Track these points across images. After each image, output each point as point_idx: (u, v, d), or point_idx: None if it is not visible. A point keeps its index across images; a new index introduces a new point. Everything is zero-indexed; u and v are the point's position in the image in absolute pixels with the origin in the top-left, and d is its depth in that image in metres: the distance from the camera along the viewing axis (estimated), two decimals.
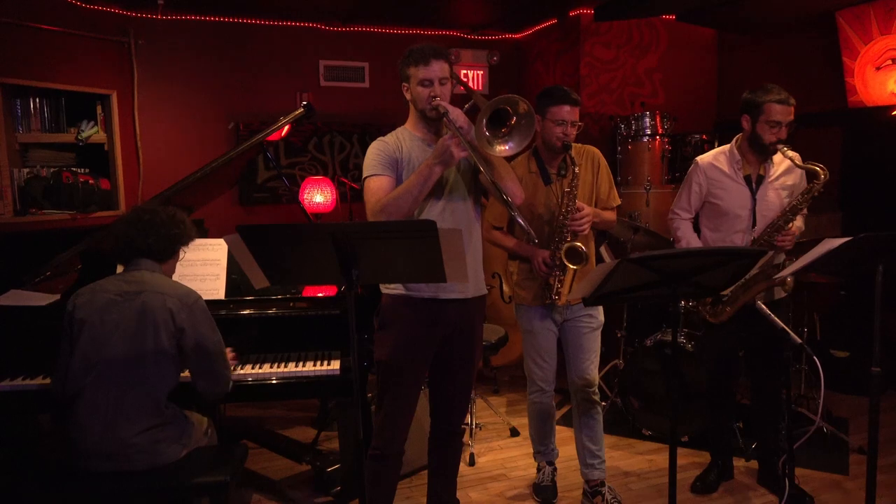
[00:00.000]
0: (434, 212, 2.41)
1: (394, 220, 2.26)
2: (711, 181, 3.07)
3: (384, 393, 2.50)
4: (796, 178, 3.01)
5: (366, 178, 2.42)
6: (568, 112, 2.81)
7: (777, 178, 3.00)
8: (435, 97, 2.36)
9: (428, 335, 2.48)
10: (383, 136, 2.49)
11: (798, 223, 2.98)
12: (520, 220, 2.24)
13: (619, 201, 3.06)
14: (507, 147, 2.25)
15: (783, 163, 2.98)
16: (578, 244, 2.79)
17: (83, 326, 2.30)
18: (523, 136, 2.23)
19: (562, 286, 2.87)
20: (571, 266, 2.79)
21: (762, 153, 2.96)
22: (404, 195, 2.30)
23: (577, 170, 2.80)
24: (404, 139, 2.46)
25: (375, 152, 2.43)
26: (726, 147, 3.09)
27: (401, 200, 2.29)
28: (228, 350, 2.61)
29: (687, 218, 3.18)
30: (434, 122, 2.44)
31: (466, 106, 2.47)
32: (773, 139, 2.89)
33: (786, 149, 2.89)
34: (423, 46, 2.39)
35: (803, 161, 2.89)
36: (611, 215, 3.02)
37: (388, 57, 2.55)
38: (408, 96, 2.46)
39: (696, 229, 3.21)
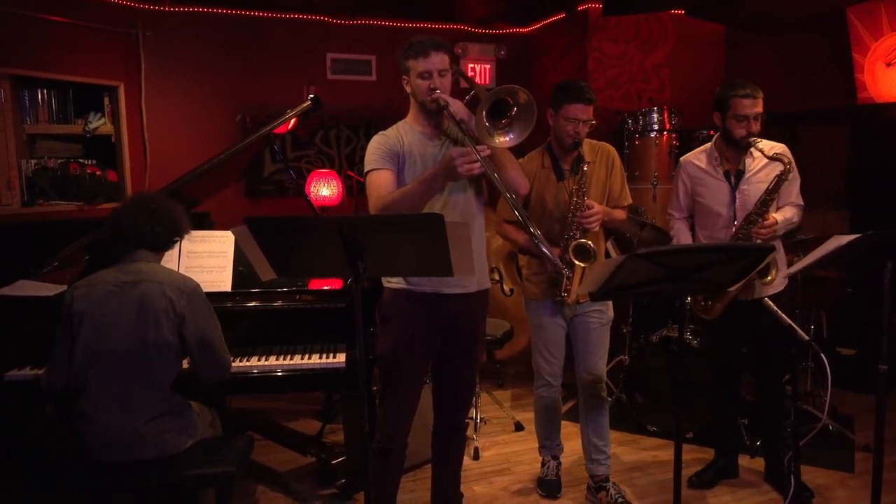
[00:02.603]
0: (436, 206, 2.39)
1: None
2: (693, 179, 3.09)
3: (386, 387, 2.50)
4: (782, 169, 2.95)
5: (367, 172, 2.41)
6: (581, 110, 2.79)
7: (758, 172, 2.97)
8: (435, 89, 2.34)
9: (430, 330, 2.47)
10: (386, 130, 2.49)
11: (781, 214, 2.93)
12: (518, 213, 2.22)
13: (630, 200, 3.05)
14: (507, 138, 2.23)
15: (763, 158, 2.95)
16: (587, 241, 2.77)
17: (83, 319, 2.30)
18: (524, 127, 2.22)
19: (570, 283, 2.87)
20: (580, 263, 2.78)
21: (737, 148, 2.96)
22: (405, 200, 2.27)
23: (585, 167, 2.78)
24: (405, 133, 2.45)
25: (376, 146, 2.42)
26: (708, 145, 3.10)
27: (401, 204, 2.27)
28: None
29: (680, 217, 3.19)
30: (434, 115, 2.43)
31: (467, 98, 2.45)
32: (742, 133, 2.89)
33: (757, 142, 2.89)
34: (423, 38, 2.37)
35: (774, 153, 2.88)
36: (621, 214, 3.01)
37: (396, 50, 2.55)
38: (408, 89, 2.44)
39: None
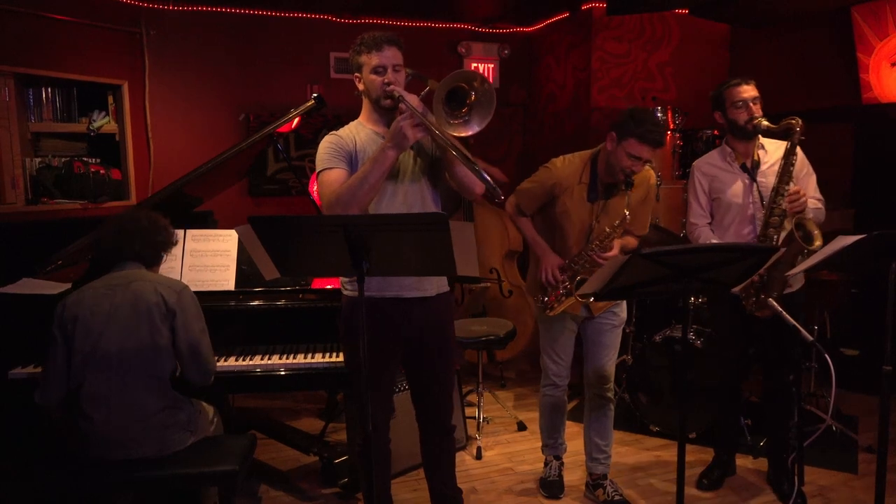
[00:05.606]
0: (385, 197, 2.35)
1: (351, 210, 2.20)
2: (710, 178, 3.06)
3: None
4: (798, 160, 2.89)
5: (320, 171, 2.36)
6: (648, 151, 2.68)
7: (774, 164, 2.94)
8: (389, 83, 2.31)
9: (393, 336, 2.44)
10: (339, 129, 2.44)
11: (805, 188, 2.89)
12: (486, 178, 2.11)
13: (646, 231, 2.98)
14: (468, 128, 2.17)
15: (777, 150, 2.93)
16: None
17: (76, 322, 2.31)
18: (484, 114, 2.16)
19: (558, 304, 2.87)
20: (580, 299, 2.76)
21: (745, 136, 2.96)
22: (359, 183, 2.21)
23: (628, 215, 2.70)
24: (358, 133, 2.41)
25: (328, 146, 2.36)
26: (716, 149, 3.11)
27: (355, 189, 2.21)
28: None
29: (704, 224, 3.10)
30: (389, 113, 2.36)
31: (422, 94, 2.42)
32: (745, 116, 2.90)
33: (761, 120, 2.88)
34: (375, 33, 2.33)
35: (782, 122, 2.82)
36: (633, 243, 2.92)
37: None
38: (360, 87, 2.40)
39: None
